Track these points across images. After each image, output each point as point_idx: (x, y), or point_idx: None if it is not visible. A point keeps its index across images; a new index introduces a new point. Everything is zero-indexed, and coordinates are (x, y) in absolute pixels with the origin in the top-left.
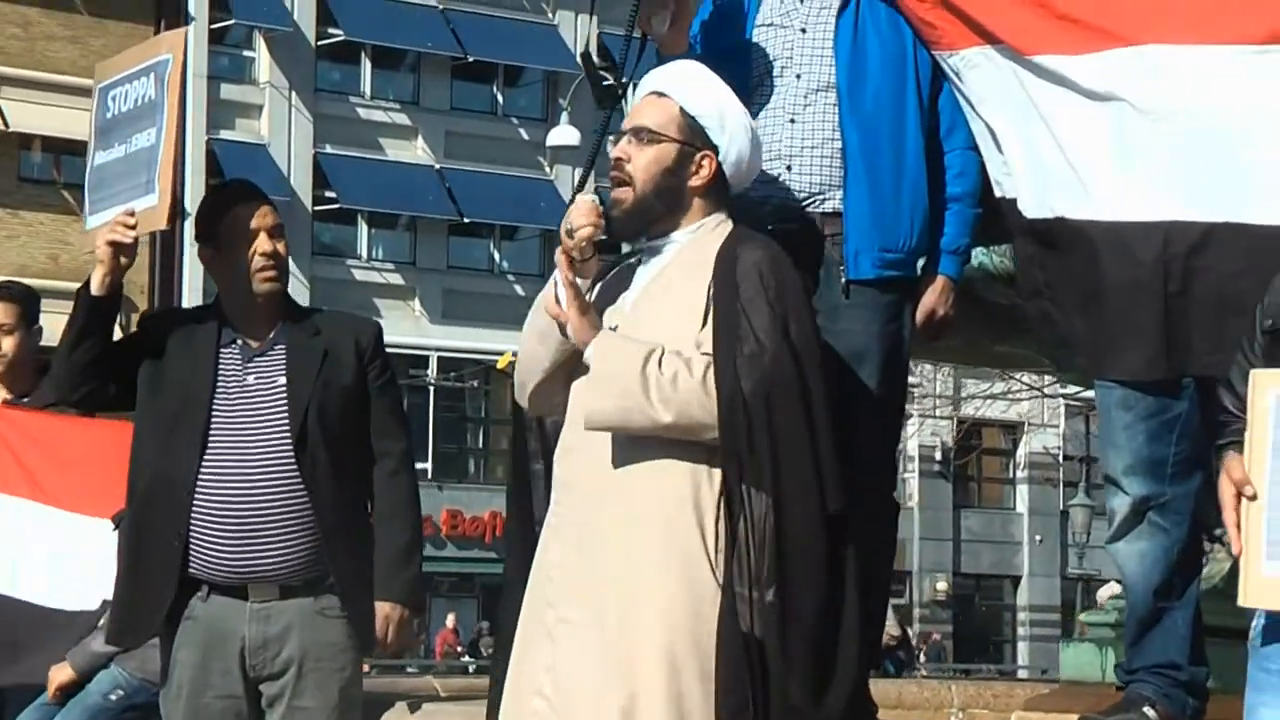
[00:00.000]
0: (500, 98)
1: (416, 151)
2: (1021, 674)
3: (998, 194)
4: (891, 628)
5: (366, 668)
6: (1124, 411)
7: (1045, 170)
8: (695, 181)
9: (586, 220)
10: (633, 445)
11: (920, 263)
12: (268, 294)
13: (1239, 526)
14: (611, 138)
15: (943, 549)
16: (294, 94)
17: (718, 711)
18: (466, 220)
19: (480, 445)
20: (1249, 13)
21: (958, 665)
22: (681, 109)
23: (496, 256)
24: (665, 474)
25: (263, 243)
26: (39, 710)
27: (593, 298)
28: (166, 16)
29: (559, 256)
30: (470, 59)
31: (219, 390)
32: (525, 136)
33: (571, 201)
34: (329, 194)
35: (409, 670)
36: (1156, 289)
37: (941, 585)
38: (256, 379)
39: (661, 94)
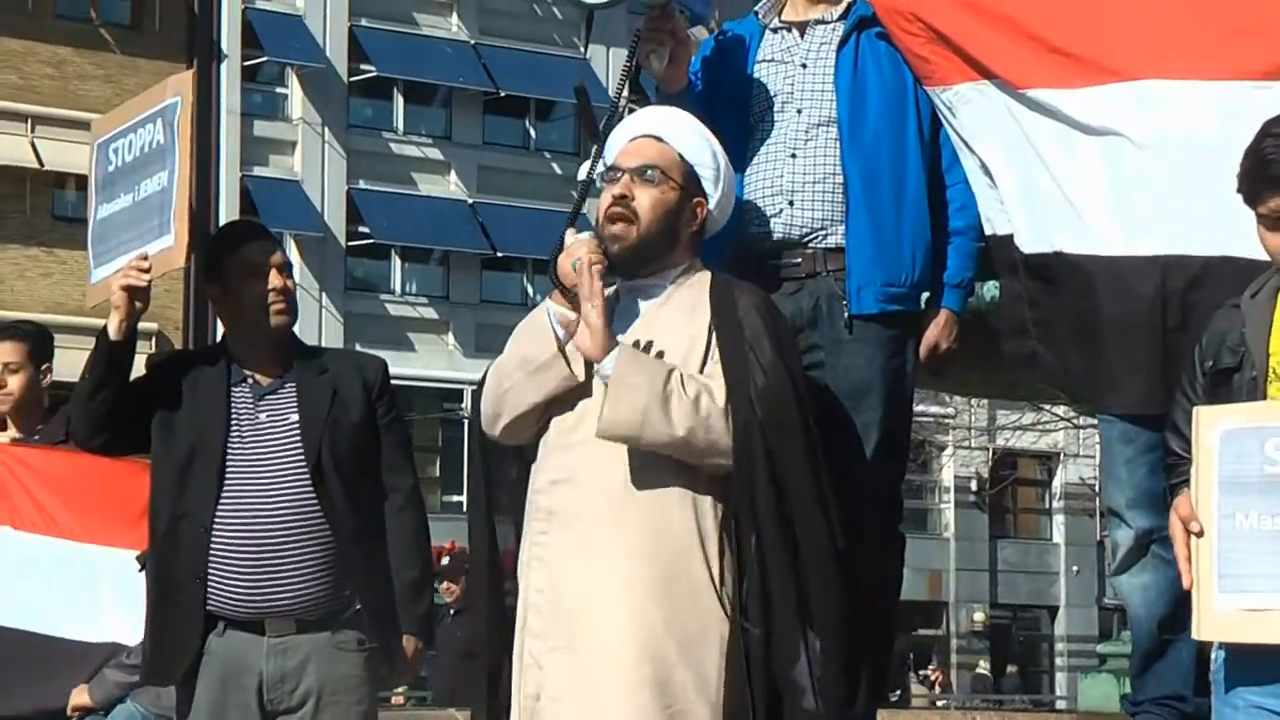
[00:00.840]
0: (533, 131)
1: (449, 186)
2: (1060, 705)
3: (987, 231)
4: None
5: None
6: (1125, 445)
7: (1042, 205)
8: (691, 228)
9: (595, 253)
10: (635, 475)
11: (923, 297)
12: (278, 329)
13: (1189, 561)
14: (599, 174)
15: (979, 580)
16: (327, 130)
17: None
18: (499, 254)
19: None
20: (1245, 48)
21: (992, 696)
22: (681, 155)
23: (530, 290)
24: (668, 503)
25: (273, 278)
26: None
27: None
28: (199, 54)
29: (584, 267)
30: (502, 93)
31: (232, 429)
32: (558, 170)
33: (561, 240)
34: (362, 229)
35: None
36: (1155, 323)
37: (978, 616)
38: (269, 416)
39: (658, 138)
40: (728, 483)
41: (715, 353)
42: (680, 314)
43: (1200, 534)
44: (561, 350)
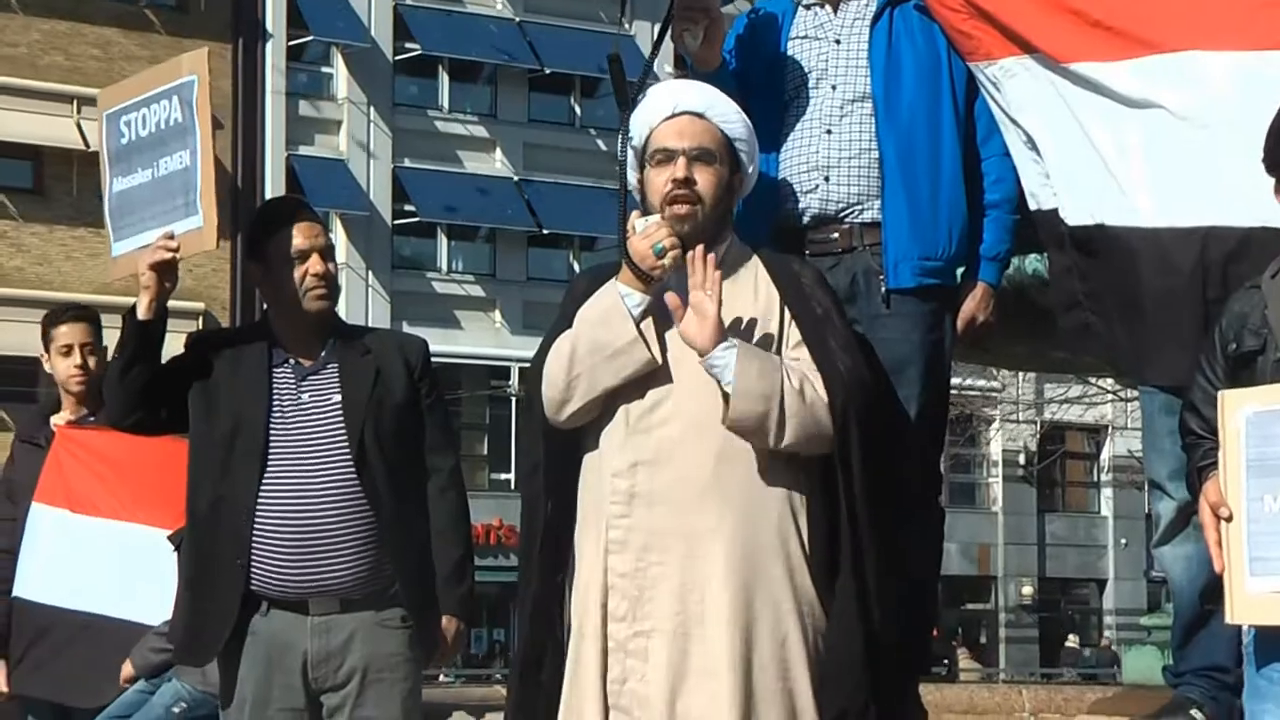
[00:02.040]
0: (578, 109)
1: (495, 164)
2: (1125, 680)
3: (1033, 206)
4: None
5: (443, 676)
6: (1167, 417)
7: (1085, 178)
8: (734, 204)
9: (675, 240)
10: (726, 457)
11: (960, 270)
12: (318, 313)
13: (1220, 545)
14: (638, 151)
15: (1027, 553)
16: (372, 109)
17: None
18: (546, 231)
19: None
20: None
21: (1043, 670)
22: (724, 133)
23: (576, 267)
24: (761, 484)
25: (314, 263)
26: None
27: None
28: (244, 35)
29: (697, 254)
30: (547, 70)
31: (274, 410)
32: (603, 147)
33: (625, 220)
34: (408, 207)
35: (496, 679)
36: (1196, 295)
37: (1026, 590)
38: (311, 397)
39: (701, 115)
40: (813, 461)
41: (793, 333)
42: (740, 290)
43: (1229, 518)
44: (640, 334)
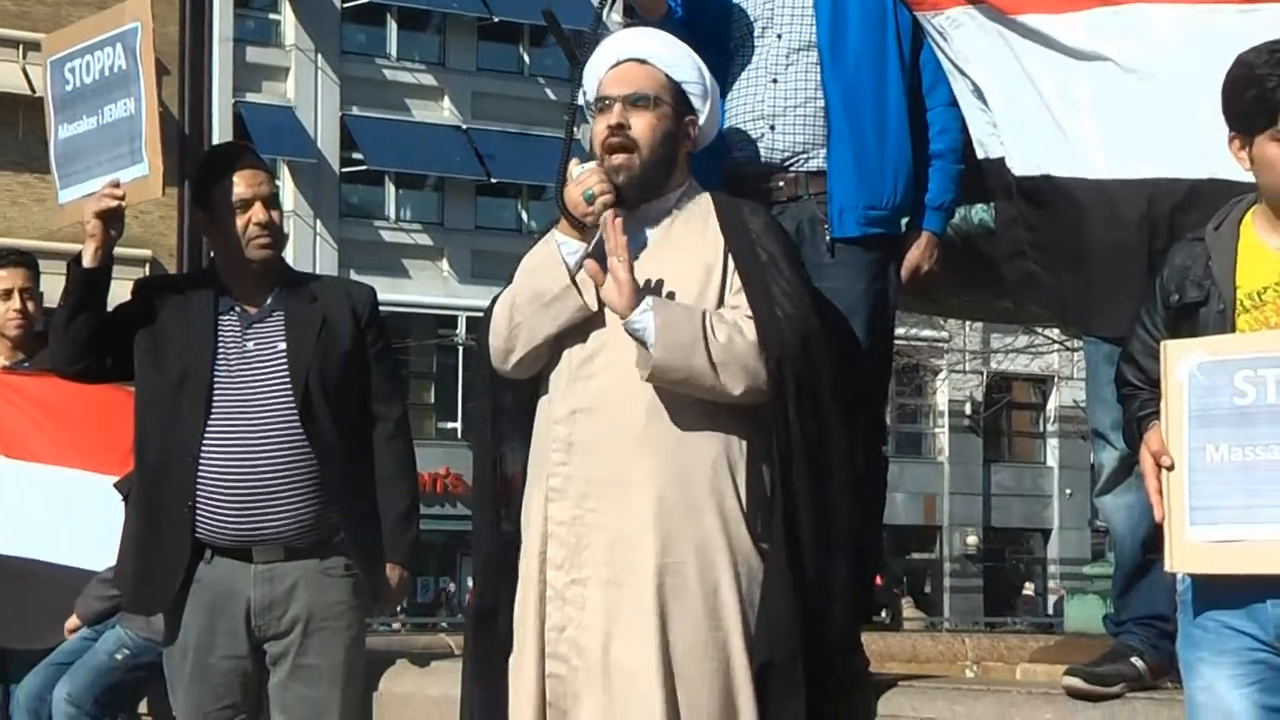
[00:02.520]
0: (526, 58)
1: (443, 112)
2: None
3: (980, 154)
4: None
5: (399, 625)
6: (1111, 367)
7: (1032, 129)
8: (686, 147)
9: (607, 186)
10: (663, 406)
11: (905, 220)
12: (261, 261)
13: (1161, 494)
14: (584, 102)
15: (973, 504)
16: (320, 56)
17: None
18: (494, 180)
19: None
20: None
21: (987, 619)
22: (668, 75)
23: (524, 216)
24: (696, 433)
25: (257, 211)
26: (45, 670)
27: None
28: None
29: (607, 220)
30: (496, 19)
31: (219, 357)
32: (552, 96)
33: (563, 168)
34: (356, 156)
35: (442, 627)
36: (1142, 246)
37: (972, 540)
38: (256, 345)
39: (642, 61)
40: (752, 411)
41: (735, 281)
42: (689, 237)
43: (1171, 467)
44: (574, 281)
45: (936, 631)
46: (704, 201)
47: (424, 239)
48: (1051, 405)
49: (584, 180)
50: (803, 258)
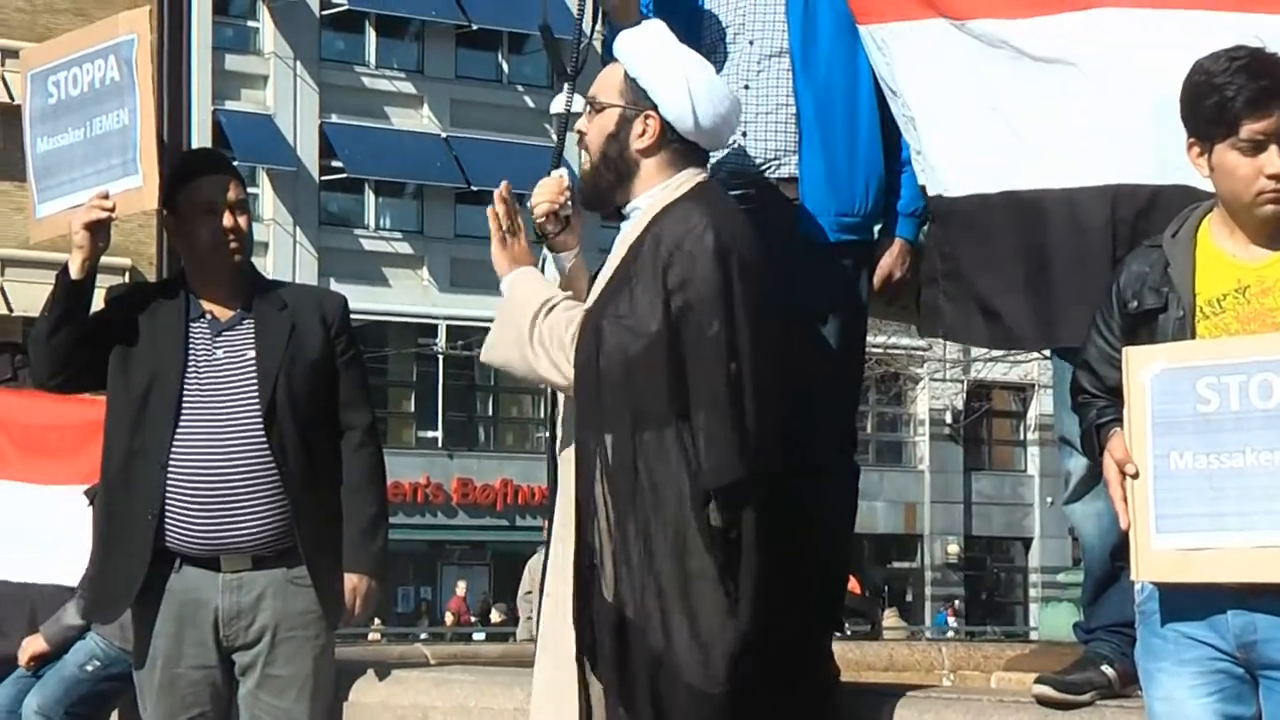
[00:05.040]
0: (505, 65)
1: (422, 120)
2: (1033, 636)
3: (920, 181)
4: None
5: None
6: None
7: (983, 143)
8: (640, 144)
9: (544, 196)
10: (569, 422)
11: (877, 227)
12: (229, 268)
13: (1126, 502)
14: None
15: (953, 512)
16: (299, 64)
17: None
18: (474, 188)
19: (490, 413)
20: None
21: (969, 628)
22: (625, 72)
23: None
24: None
25: (225, 218)
26: (15, 683)
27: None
28: None
29: (496, 199)
30: (475, 27)
31: (189, 365)
32: (531, 104)
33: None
34: (335, 164)
35: (423, 638)
36: (1106, 253)
37: (953, 548)
38: (225, 353)
39: (614, 60)
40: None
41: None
42: (628, 241)
43: (1136, 475)
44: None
45: (914, 640)
46: (663, 204)
47: (404, 247)
48: (1032, 413)
49: (535, 193)
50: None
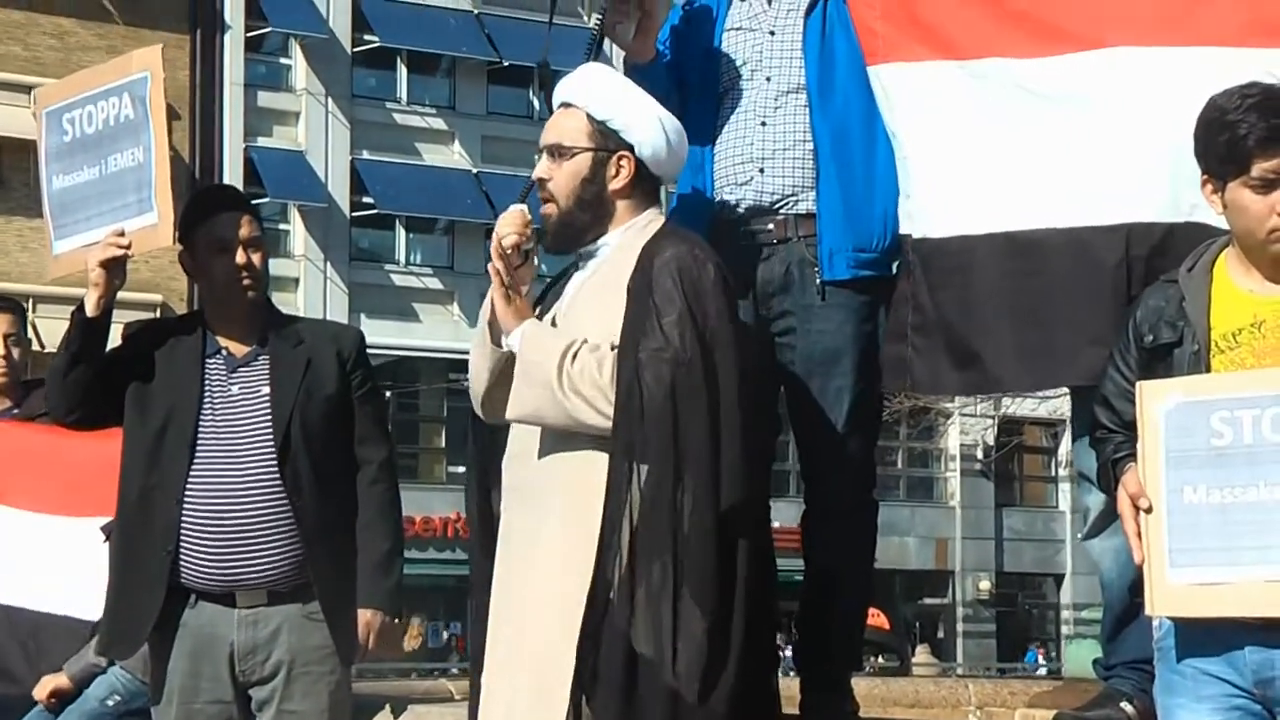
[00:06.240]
0: (536, 102)
1: (453, 156)
2: (1066, 672)
3: (903, 230)
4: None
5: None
6: None
7: (974, 185)
8: (616, 185)
9: (512, 229)
10: (563, 445)
11: (895, 262)
12: (244, 304)
13: (1140, 537)
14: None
15: (985, 548)
16: (330, 100)
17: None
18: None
19: None
20: (1212, 12)
21: (1000, 665)
22: (589, 115)
23: (534, 260)
24: (597, 472)
25: (239, 255)
26: (38, 717)
27: (535, 301)
28: (203, 25)
29: (494, 246)
30: (505, 63)
31: (205, 401)
32: None
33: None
34: (366, 200)
35: (453, 672)
36: (1120, 291)
37: (984, 584)
38: (241, 389)
39: (568, 104)
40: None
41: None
42: (612, 276)
43: (1149, 510)
44: (492, 324)
45: (941, 677)
46: (644, 238)
47: (434, 283)
48: (1063, 449)
49: (498, 226)
50: (792, 300)
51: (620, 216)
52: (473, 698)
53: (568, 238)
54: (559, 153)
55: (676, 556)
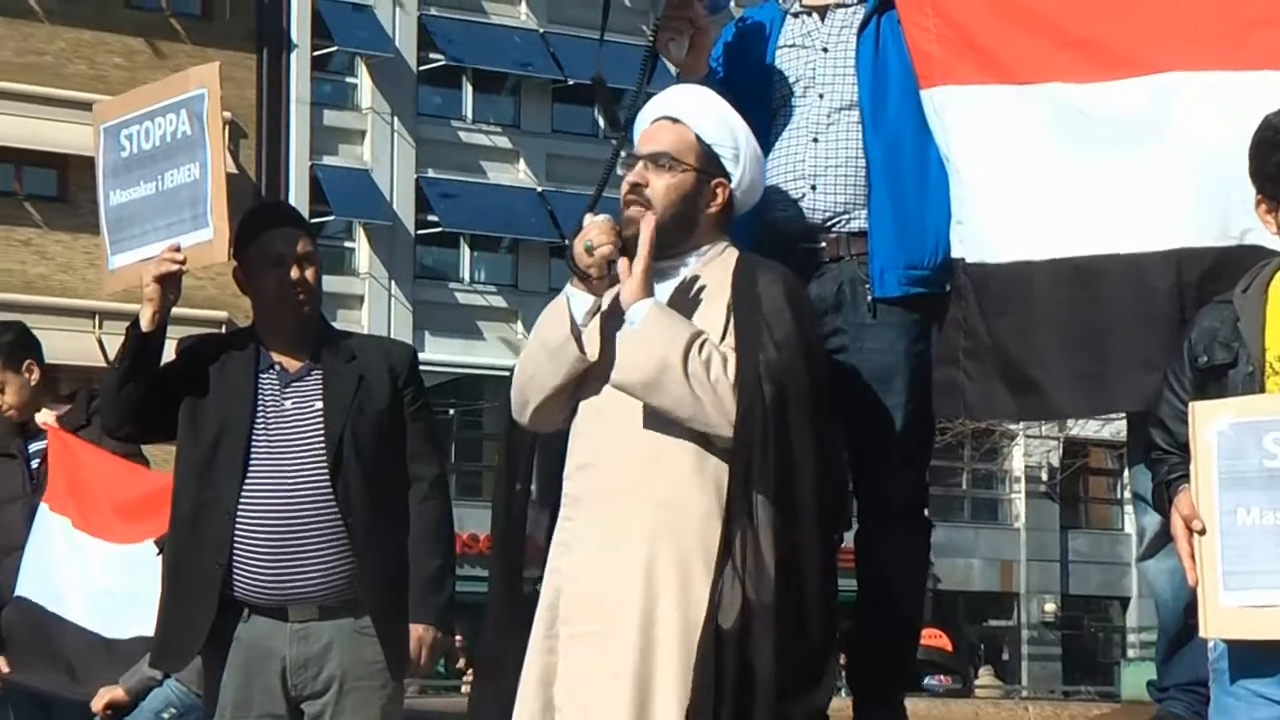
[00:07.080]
0: (601, 120)
1: (518, 174)
2: (1124, 696)
3: (956, 254)
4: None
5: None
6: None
7: (1031, 211)
8: (711, 209)
9: (608, 239)
10: (651, 453)
11: (947, 281)
12: (296, 321)
13: (1193, 559)
14: (622, 160)
15: (1050, 570)
16: (396, 119)
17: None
18: (568, 243)
19: None
20: (1267, 37)
21: (1066, 688)
22: (698, 136)
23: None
24: (685, 480)
25: (293, 271)
26: None
27: (600, 314)
28: (268, 44)
29: (644, 221)
30: (570, 81)
31: (258, 415)
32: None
33: (579, 222)
34: (431, 218)
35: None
36: (1173, 317)
37: (1049, 607)
38: (294, 404)
39: (676, 120)
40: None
41: (731, 329)
42: (701, 295)
43: (1203, 531)
44: (575, 333)
45: (1002, 699)
46: (728, 263)
47: (498, 301)
48: (1128, 472)
49: (587, 232)
50: (844, 318)
51: (700, 239)
52: (476, 698)
53: (660, 245)
54: (665, 163)
55: (788, 582)
